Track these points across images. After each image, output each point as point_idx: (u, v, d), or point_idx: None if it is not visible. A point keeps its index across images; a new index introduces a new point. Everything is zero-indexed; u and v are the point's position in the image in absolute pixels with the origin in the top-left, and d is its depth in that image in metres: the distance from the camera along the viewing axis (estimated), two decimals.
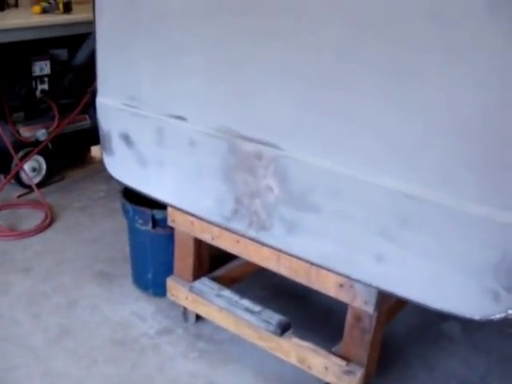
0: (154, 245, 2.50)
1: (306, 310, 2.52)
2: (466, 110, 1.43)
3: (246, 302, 2.16)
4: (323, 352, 2.01)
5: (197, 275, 2.33)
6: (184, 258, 2.32)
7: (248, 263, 2.31)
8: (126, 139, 2.18)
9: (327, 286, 1.90)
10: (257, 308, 2.13)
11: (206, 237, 2.18)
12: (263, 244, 1.95)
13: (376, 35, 1.51)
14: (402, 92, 1.51)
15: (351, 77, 1.58)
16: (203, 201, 2.04)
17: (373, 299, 1.82)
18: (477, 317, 1.60)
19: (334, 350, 2.02)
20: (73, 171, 3.83)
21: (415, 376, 2.26)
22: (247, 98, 1.79)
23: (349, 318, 1.94)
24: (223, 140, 1.88)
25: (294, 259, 1.92)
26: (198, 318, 2.43)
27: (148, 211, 2.39)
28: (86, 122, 3.68)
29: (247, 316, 2.11)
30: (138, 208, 2.43)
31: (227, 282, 2.37)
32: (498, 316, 1.57)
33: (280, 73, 1.69)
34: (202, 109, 1.92)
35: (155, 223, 2.40)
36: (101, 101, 2.24)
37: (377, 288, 1.75)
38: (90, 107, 3.56)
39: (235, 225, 1.98)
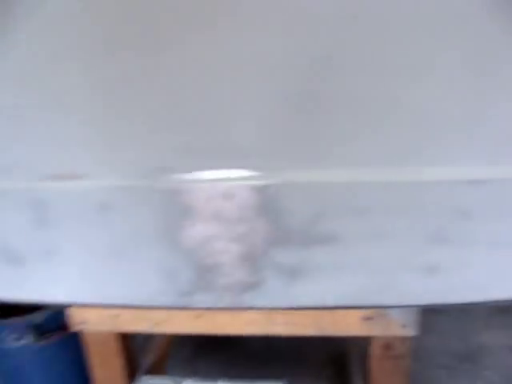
0: (40, 361, 1.75)
1: (248, 355, 2.02)
2: None
3: None
4: None
5: (130, 378, 1.67)
6: (107, 363, 1.64)
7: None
8: None
9: (347, 326, 1.45)
10: None
11: (143, 327, 1.53)
12: (248, 308, 1.39)
13: None
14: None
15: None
16: (138, 283, 1.40)
17: (413, 319, 1.44)
18: None
19: None
20: None
21: None
22: (198, 116, 1.20)
23: (375, 350, 1.52)
24: (161, 188, 1.26)
25: (295, 311, 1.41)
26: None
27: (20, 320, 1.64)
28: None
29: None
30: (4, 321, 1.66)
31: (160, 367, 1.77)
32: None
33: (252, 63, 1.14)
34: (114, 153, 1.26)
35: (38, 332, 1.67)
36: None
37: (427, 305, 1.36)
38: None
39: (200, 298, 1.38)
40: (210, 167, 1.22)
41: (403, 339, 1.48)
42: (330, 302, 1.35)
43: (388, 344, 1.49)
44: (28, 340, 1.65)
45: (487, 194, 1.21)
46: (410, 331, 1.44)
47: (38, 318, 1.63)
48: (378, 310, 1.40)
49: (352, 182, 1.21)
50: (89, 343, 1.63)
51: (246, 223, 1.27)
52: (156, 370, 1.74)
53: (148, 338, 1.85)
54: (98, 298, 1.45)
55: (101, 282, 1.42)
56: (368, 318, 1.43)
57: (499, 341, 2.12)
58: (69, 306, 1.53)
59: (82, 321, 1.56)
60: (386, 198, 1.22)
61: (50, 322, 1.64)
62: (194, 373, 1.76)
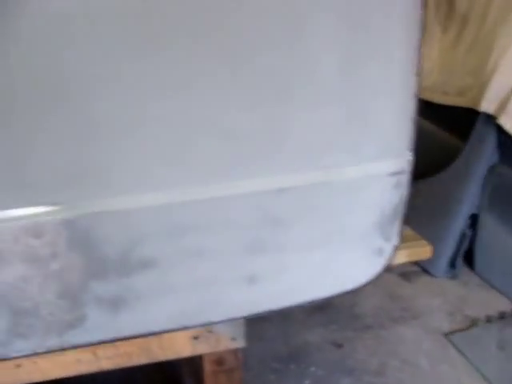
0: None
1: None
2: None
3: None
4: None
5: None
6: None
7: None
8: None
9: (176, 349, 1.44)
10: None
11: None
12: (72, 348, 1.33)
13: None
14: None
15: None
16: None
17: (241, 331, 1.46)
18: (365, 280, 1.43)
19: None
20: None
21: None
22: None
23: (207, 366, 1.53)
24: None
25: (121, 342, 1.37)
26: None
27: None
28: None
29: None
30: None
31: None
32: (381, 269, 1.44)
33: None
34: None
35: None
36: None
37: (252, 315, 1.39)
38: None
39: (18, 346, 1.29)
40: (14, 205, 1.14)
41: (234, 352, 1.49)
42: (157, 328, 1.33)
43: (219, 359, 1.50)
44: None
45: (294, 200, 1.28)
46: (240, 343, 1.46)
47: None
48: (206, 328, 1.41)
49: (163, 205, 1.20)
50: None
51: (60, 260, 1.20)
52: None
53: None
54: None
55: None
56: (196, 337, 1.42)
57: (321, 337, 2.23)
58: None
59: None
60: (199, 216, 1.23)
61: None
62: None
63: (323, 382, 2.04)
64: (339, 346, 2.20)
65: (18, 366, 1.38)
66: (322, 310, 2.36)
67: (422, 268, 2.68)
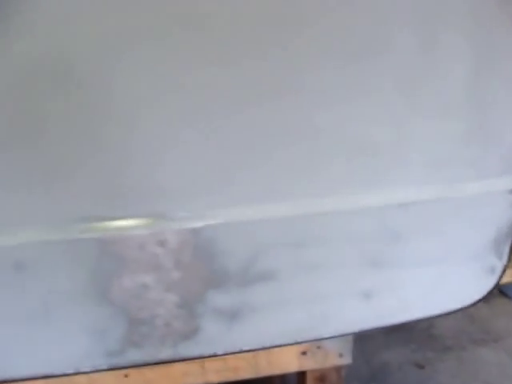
0: None
1: None
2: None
3: None
4: None
5: None
6: None
7: None
8: None
9: (284, 364, 1.41)
10: None
11: None
12: (183, 360, 1.31)
13: None
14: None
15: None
16: (60, 348, 1.26)
17: (349, 347, 1.43)
18: (476, 299, 1.40)
19: None
20: None
21: None
22: (121, 161, 1.10)
23: (309, 383, 1.49)
24: (89, 239, 1.15)
25: (230, 356, 1.35)
26: None
27: None
28: None
29: None
30: None
31: None
32: (492, 288, 1.41)
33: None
34: (28, 204, 1.12)
35: None
36: None
37: (362, 331, 1.35)
38: None
39: (131, 356, 1.27)
40: (142, 214, 1.14)
41: (338, 368, 1.46)
42: (269, 342, 1.30)
43: (322, 375, 1.47)
44: None
45: (414, 215, 1.25)
46: (347, 359, 1.43)
47: None
48: (314, 343, 1.38)
49: (286, 217, 1.18)
50: None
51: (181, 269, 1.19)
52: None
53: None
54: (7, 372, 1.28)
55: (13, 351, 1.26)
56: (304, 353, 1.40)
57: (401, 357, 2.19)
58: None
59: None
60: (321, 228, 1.21)
61: None
62: None
63: None
64: (421, 366, 2.15)
65: (126, 375, 1.37)
66: (400, 329, 2.31)
67: (499, 290, 2.62)
